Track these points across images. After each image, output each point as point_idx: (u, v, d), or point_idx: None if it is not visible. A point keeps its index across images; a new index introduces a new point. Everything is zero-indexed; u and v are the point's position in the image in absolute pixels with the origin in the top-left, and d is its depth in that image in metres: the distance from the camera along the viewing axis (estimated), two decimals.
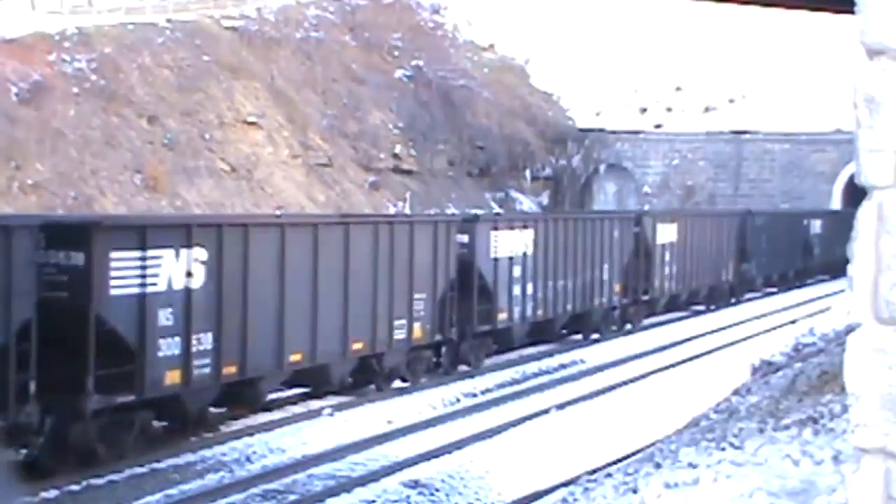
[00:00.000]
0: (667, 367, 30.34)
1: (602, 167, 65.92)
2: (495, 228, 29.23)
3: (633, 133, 67.74)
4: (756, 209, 55.57)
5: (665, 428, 19.68)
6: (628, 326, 37.37)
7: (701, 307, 43.78)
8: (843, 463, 10.07)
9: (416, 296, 25.61)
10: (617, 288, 35.89)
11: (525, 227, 30.90)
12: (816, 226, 56.74)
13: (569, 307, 33.13)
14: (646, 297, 38.47)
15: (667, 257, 39.64)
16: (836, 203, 62.54)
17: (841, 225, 57.81)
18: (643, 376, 28.90)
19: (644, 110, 79.04)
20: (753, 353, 27.45)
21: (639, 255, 37.36)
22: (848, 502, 3.35)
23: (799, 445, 11.53)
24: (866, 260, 3.33)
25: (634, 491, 12.15)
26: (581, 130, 67.29)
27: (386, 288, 24.63)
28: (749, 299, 47.89)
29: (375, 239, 24.44)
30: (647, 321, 38.80)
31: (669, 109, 78.69)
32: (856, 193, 3.62)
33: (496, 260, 28.64)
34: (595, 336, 35.05)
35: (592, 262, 34.29)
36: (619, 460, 18.44)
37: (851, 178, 7.10)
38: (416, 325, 26.01)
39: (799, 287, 53.59)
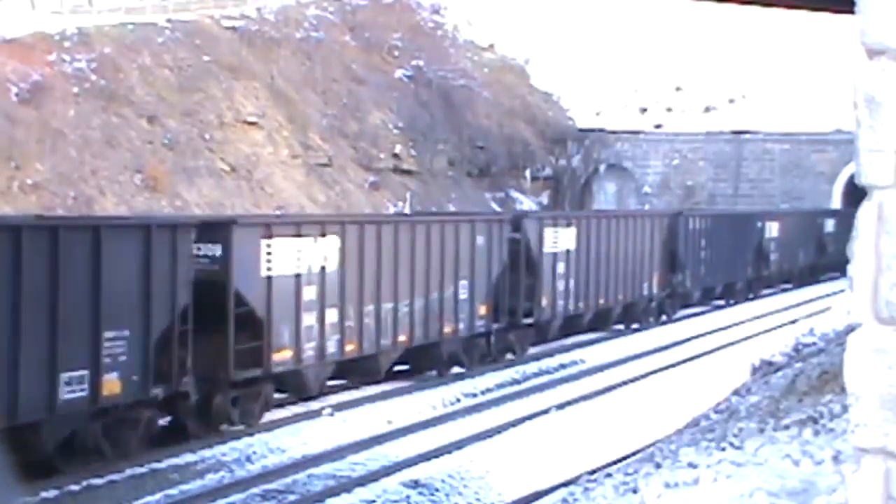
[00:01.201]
0: (667, 367, 30.35)
1: (602, 167, 65.91)
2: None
3: (633, 133, 67.72)
4: (695, 209, 52.38)
5: (665, 428, 19.68)
6: (510, 356, 30.50)
7: (618, 327, 37.13)
8: (843, 463, 10.07)
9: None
10: (483, 310, 28.68)
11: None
12: (773, 229, 51.16)
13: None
14: (529, 321, 30.89)
15: (560, 269, 32.18)
16: (836, 203, 62.49)
17: (807, 227, 54.69)
18: (643, 376, 28.90)
19: (644, 110, 79.03)
20: (753, 353, 27.44)
21: (518, 267, 30.18)
22: (848, 502, 3.35)
23: (799, 445, 11.54)
24: (866, 260, 3.33)
25: (634, 491, 12.15)
26: (581, 130, 67.26)
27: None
28: (683, 318, 40.77)
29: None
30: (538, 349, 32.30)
31: (669, 109, 78.67)
32: (856, 193, 3.62)
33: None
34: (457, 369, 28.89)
35: (443, 276, 27.34)
36: (619, 460, 18.45)
37: (851, 178, 7.10)
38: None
39: (753, 299, 47.78)
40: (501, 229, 29.72)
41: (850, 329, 3.36)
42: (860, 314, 3.33)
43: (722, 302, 45.95)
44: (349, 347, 24.06)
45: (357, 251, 24.35)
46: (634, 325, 37.47)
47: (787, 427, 12.78)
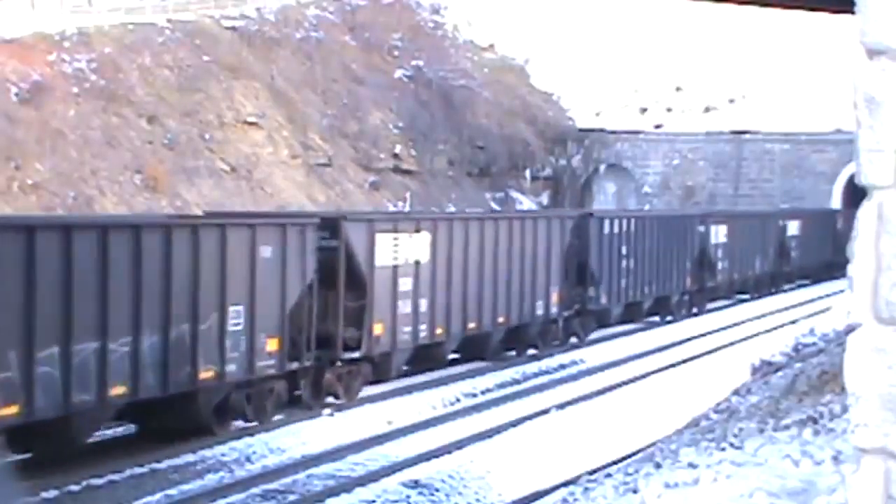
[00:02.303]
0: (667, 367, 30.35)
1: (602, 167, 65.91)
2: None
3: (633, 133, 67.71)
4: (614, 209, 49.07)
5: (665, 428, 19.68)
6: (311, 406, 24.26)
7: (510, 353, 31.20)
8: (843, 463, 10.07)
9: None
10: (271, 345, 21.96)
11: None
12: (720, 233, 44.35)
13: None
14: (354, 354, 24.34)
15: (403, 286, 25.61)
16: (836, 203, 62.48)
17: (765, 230, 49.57)
18: (643, 376, 28.90)
19: (644, 110, 79.03)
20: (753, 353, 27.44)
21: (334, 284, 23.97)
22: (848, 502, 3.35)
23: (799, 445, 11.54)
24: (866, 260, 3.33)
25: (634, 491, 12.15)
26: (581, 130, 67.24)
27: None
28: (596, 340, 34.80)
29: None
30: None
31: (669, 109, 78.67)
32: (856, 193, 3.61)
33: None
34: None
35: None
36: (619, 460, 18.44)
37: (851, 178, 7.10)
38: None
39: (696, 315, 41.55)
40: (305, 235, 22.83)
41: (850, 329, 3.36)
42: (860, 314, 3.33)
43: (657, 318, 39.52)
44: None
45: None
46: (531, 352, 31.39)
47: (787, 427, 12.79)
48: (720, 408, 18.17)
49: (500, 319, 29.65)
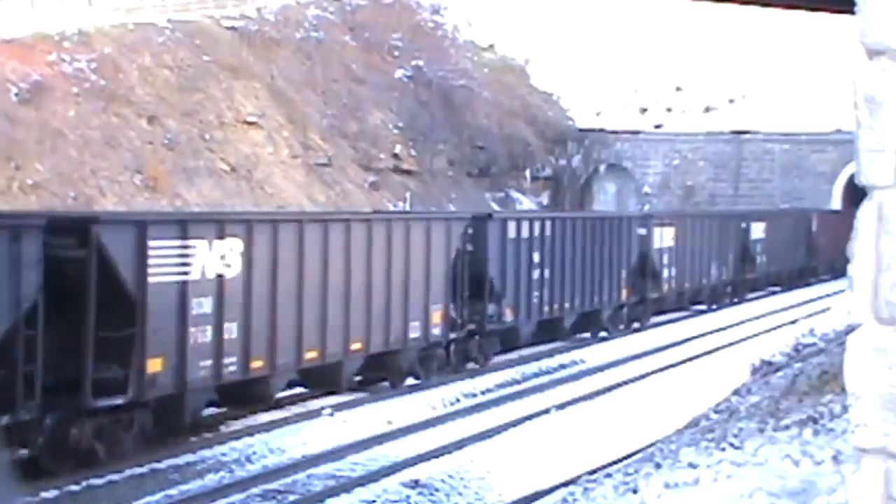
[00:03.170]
0: (667, 367, 30.35)
1: (602, 167, 65.91)
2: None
3: (633, 133, 67.71)
4: (513, 212, 44.40)
5: (665, 428, 19.68)
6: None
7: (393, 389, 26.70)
8: (843, 463, 10.07)
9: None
10: None
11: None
12: (666, 236, 39.27)
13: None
14: (117, 400, 18.53)
15: (196, 308, 20.04)
16: (836, 203, 62.48)
17: (725, 232, 44.48)
18: (643, 376, 28.90)
19: (644, 110, 79.03)
20: (753, 353, 27.45)
21: (75, 309, 17.99)
22: (848, 502, 3.35)
23: (799, 445, 11.54)
24: (866, 260, 3.33)
25: (634, 491, 12.15)
26: (581, 130, 67.25)
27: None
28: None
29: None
30: None
31: (669, 109, 78.67)
32: (856, 193, 3.62)
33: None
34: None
35: None
36: (619, 460, 18.45)
37: (851, 178, 7.10)
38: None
39: (637, 330, 36.93)
40: (21, 242, 16.88)
41: (850, 329, 3.36)
42: (860, 314, 3.33)
43: (587, 335, 35.06)
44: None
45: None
46: (411, 382, 26.51)
47: (787, 427, 12.79)
48: (720, 408, 18.18)
49: (355, 346, 24.01)
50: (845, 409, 3.99)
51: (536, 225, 31.92)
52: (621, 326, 36.45)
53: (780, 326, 37.52)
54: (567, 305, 33.13)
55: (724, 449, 12.54)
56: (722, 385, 23.03)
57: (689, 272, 41.20)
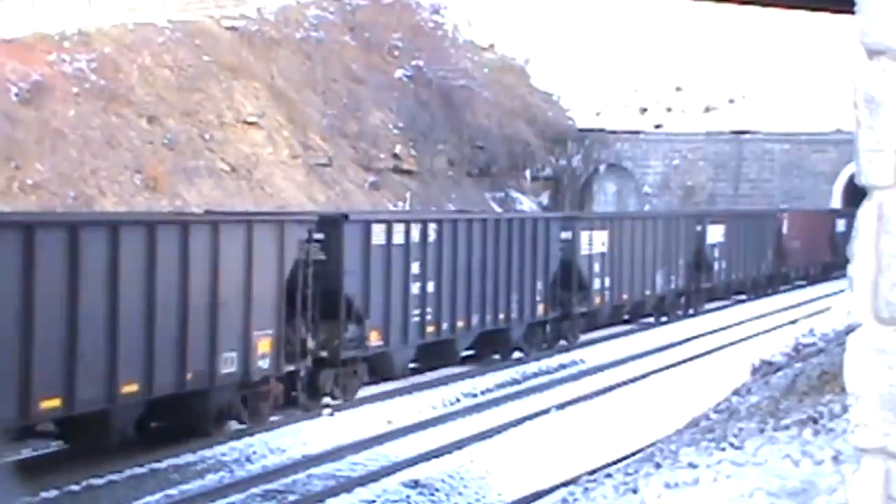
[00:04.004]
0: (667, 367, 30.34)
1: (602, 167, 65.91)
2: None
3: (633, 133, 67.71)
4: (400, 211, 40.22)
5: (665, 428, 19.68)
6: None
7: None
8: (843, 463, 10.07)
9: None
10: None
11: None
12: (597, 241, 34.87)
13: None
14: None
15: None
16: (836, 202, 62.47)
17: (669, 236, 39.98)
18: (643, 376, 28.90)
19: (644, 110, 79.04)
20: (753, 353, 27.44)
21: None
22: (848, 502, 3.35)
23: (799, 445, 11.53)
24: (866, 260, 3.33)
25: (634, 491, 12.15)
26: (581, 130, 67.25)
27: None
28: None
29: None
30: None
31: (669, 109, 78.68)
32: (856, 193, 3.62)
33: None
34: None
35: None
36: (619, 460, 18.44)
37: (851, 178, 7.09)
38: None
39: (564, 350, 32.83)
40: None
41: (850, 329, 3.36)
42: (860, 314, 3.33)
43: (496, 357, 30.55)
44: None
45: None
46: (237, 426, 21.77)
47: (787, 427, 12.78)
48: (720, 408, 18.17)
49: (128, 389, 18.47)
50: (845, 409, 3.99)
51: (415, 228, 26.43)
52: (544, 346, 32.37)
53: (780, 327, 37.52)
54: (460, 325, 28.06)
55: (724, 449, 12.54)
56: (722, 385, 23.03)
57: (629, 282, 36.69)
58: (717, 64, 78.66)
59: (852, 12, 3.36)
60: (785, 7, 20.21)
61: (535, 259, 31.14)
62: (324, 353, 23.54)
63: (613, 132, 67.28)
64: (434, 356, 27.98)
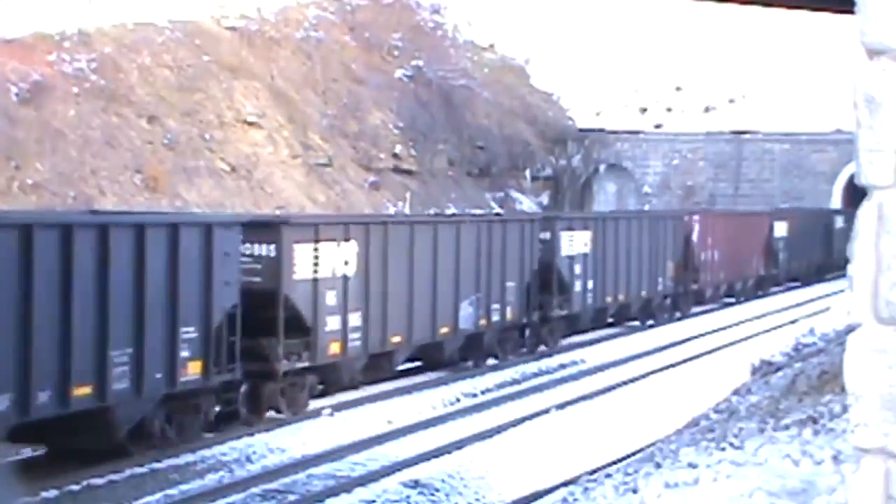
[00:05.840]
0: (667, 367, 30.34)
1: (602, 167, 65.92)
2: None
3: (633, 133, 67.71)
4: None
5: (665, 428, 19.68)
6: None
7: None
8: (843, 463, 10.07)
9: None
10: None
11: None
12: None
13: None
14: None
15: None
16: (836, 203, 62.47)
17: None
18: (643, 376, 28.89)
19: (644, 110, 79.03)
20: (753, 353, 27.44)
21: None
22: (848, 502, 3.35)
23: (799, 445, 11.53)
24: (866, 260, 3.33)
25: (634, 491, 12.15)
26: (581, 130, 67.26)
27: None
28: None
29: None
30: None
31: (669, 109, 78.68)
32: (856, 193, 3.62)
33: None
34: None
35: None
36: (619, 460, 18.44)
37: (851, 178, 7.09)
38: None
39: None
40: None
41: (850, 329, 3.36)
42: (860, 314, 3.33)
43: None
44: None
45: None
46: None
47: (787, 427, 12.78)
48: (720, 408, 18.17)
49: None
50: (845, 409, 3.99)
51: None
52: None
53: (780, 326, 37.54)
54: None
55: (724, 449, 12.53)
56: (722, 385, 23.03)
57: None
58: (717, 64, 78.66)
59: (852, 12, 3.36)
60: (786, 7, 20.19)
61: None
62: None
63: (613, 132, 67.28)
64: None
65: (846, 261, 3.40)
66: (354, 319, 24.00)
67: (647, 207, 61.25)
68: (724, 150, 65.15)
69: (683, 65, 79.58)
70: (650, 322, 38.56)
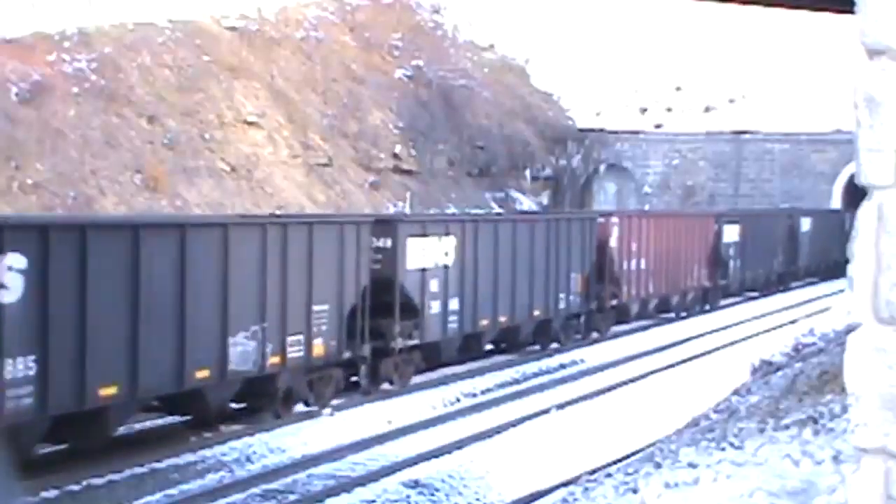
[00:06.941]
0: (667, 367, 30.35)
1: (602, 167, 65.91)
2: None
3: (633, 133, 67.70)
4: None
5: (665, 428, 19.68)
6: None
7: None
8: (843, 463, 10.07)
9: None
10: None
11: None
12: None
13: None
14: None
15: None
16: (836, 203, 62.47)
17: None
18: (643, 376, 28.90)
19: (644, 110, 79.01)
20: (753, 353, 27.45)
21: None
22: (848, 502, 3.35)
23: (799, 445, 11.53)
24: (866, 260, 3.33)
25: (634, 491, 12.15)
26: (581, 130, 67.26)
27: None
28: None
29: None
30: None
31: (669, 109, 78.65)
32: (856, 193, 3.62)
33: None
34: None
35: None
36: (619, 460, 18.44)
37: (851, 178, 7.10)
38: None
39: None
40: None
41: (850, 329, 3.36)
42: (860, 314, 3.33)
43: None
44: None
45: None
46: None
47: (787, 427, 12.78)
48: (720, 408, 18.17)
49: None
50: (845, 409, 3.99)
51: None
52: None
53: (780, 326, 37.53)
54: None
55: (724, 449, 12.54)
56: (722, 385, 23.03)
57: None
58: (717, 64, 78.63)
59: (852, 12, 3.36)
60: (786, 7, 20.19)
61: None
62: None
63: (613, 132, 67.28)
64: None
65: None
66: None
67: (647, 207, 61.24)
68: (724, 150, 65.15)
69: (683, 65, 79.56)
70: (554, 345, 32.58)
